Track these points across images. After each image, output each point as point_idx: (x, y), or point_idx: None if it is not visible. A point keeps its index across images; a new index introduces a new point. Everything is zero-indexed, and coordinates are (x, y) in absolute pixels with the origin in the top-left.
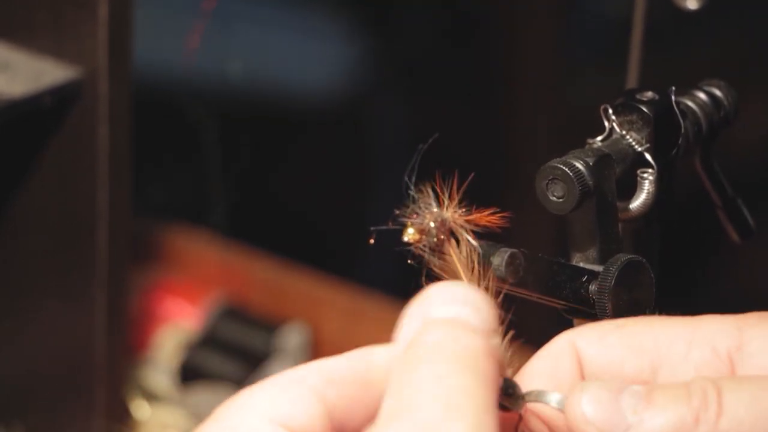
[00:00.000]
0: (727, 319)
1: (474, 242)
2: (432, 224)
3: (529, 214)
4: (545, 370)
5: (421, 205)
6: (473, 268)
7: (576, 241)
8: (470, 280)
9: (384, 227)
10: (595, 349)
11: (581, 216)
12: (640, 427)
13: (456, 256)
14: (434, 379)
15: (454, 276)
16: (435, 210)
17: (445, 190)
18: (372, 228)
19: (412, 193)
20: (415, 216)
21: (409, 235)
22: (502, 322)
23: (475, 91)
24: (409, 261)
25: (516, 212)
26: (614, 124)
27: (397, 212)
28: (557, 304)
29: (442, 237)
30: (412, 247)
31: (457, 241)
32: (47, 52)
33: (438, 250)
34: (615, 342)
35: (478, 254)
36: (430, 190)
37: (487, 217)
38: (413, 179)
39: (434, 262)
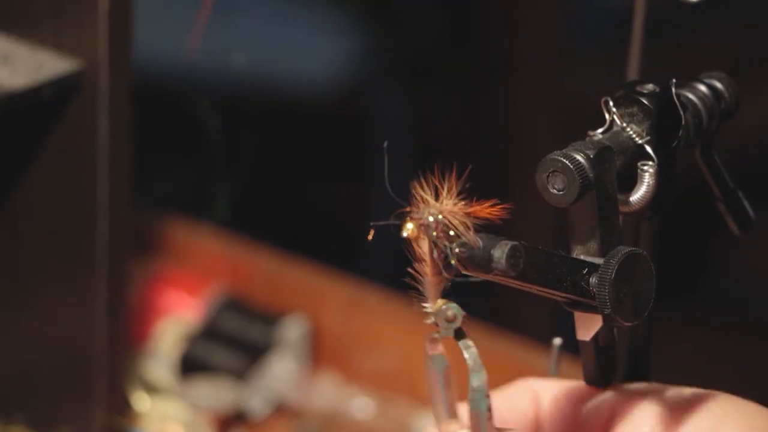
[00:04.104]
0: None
1: (472, 236)
2: (431, 219)
3: (530, 206)
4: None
5: (421, 198)
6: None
7: (576, 233)
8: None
9: (383, 223)
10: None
11: (582, 208)
12: None
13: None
14: None
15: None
16: (434, 204)
17: (444, 183)
18: (371, 223)
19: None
20: (414, 210)
21: (408, 230)
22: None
23: (475, 84)
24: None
25: (517, 205)
26: (615, 117)
27: (397, 208)
28: (558, 296)
29: (441, 233)
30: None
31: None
32: (47, 44)
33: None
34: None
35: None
36: (429, 184)
37: (487, 210)
38: (413, 173)
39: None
